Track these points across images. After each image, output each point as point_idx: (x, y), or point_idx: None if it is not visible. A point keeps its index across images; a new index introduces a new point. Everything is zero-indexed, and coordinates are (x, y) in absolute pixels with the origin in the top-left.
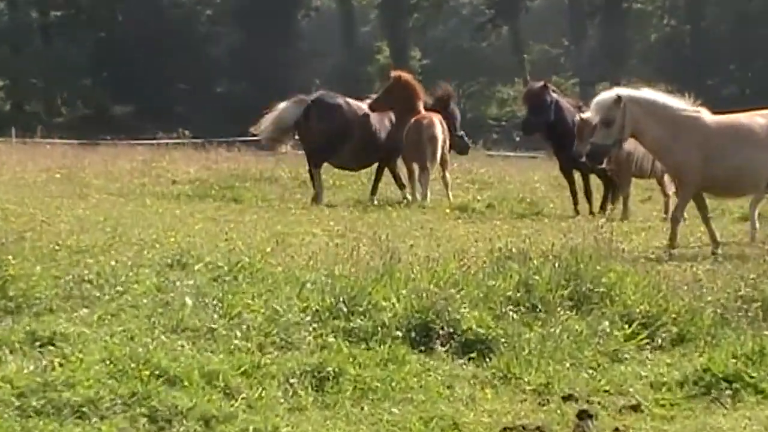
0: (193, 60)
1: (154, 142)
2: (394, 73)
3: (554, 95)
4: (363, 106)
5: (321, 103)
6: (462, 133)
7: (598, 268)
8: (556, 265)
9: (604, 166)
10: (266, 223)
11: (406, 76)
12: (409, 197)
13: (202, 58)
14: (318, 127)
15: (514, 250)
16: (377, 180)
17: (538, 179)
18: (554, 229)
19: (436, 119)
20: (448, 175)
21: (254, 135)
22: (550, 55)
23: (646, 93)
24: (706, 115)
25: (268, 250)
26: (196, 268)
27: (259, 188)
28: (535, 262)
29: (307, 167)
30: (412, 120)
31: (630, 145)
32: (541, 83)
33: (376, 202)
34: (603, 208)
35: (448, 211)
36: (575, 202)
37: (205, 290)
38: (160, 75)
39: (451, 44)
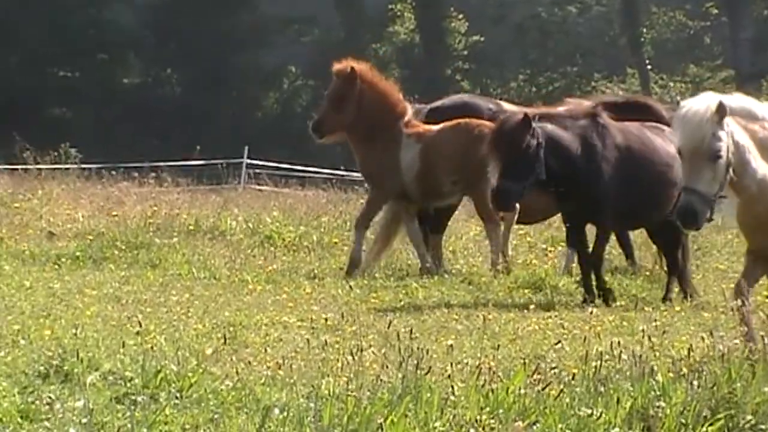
0: (80, 32)
1: (17, 167)
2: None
3: (545, 128)
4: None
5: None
6: None
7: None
8: (695, 383)
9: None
10: (206, 306)
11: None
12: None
13: (95, 28)
14: None
15: (624, 356)
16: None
17: None
18: (692, 323)
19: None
20: (502, 227)
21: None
22: (684, 32)
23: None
24: None
25: (209, 351)
26: (88, 380)
27: (195, 247)
28: (660, 377)
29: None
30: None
31: None
32: (520, 116)
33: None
34: (668, 291)
35: (510, 287)
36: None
37: (103, 419)
38: (28, 57)
39: (517, 11)
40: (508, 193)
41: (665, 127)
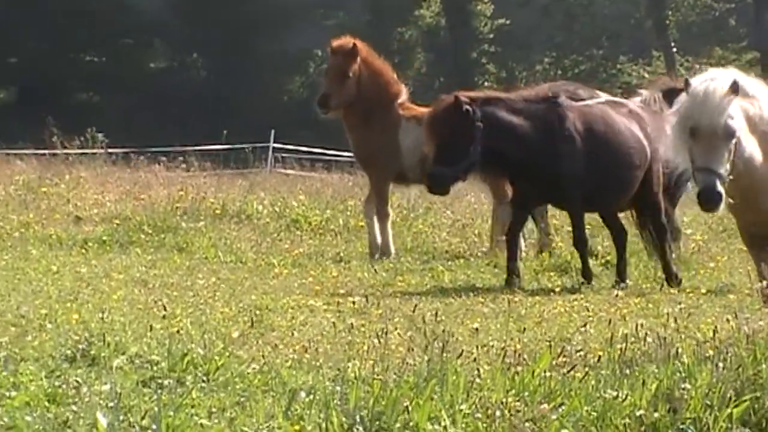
0: (107, 17)
1: (44, 152)
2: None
3: (487, 112)
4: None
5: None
6: None
7: None
8: (720, 365)
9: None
10: (232, 289)
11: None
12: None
13: (122, 13)
14: None
15: (649, 339)
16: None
17: (689, 221)
18: (718, 305)
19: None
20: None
21: (211, 143)
22: (710, 14)
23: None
24: None
25: (236, 335)
26: (115, 364)
27: (221, 231)
28: (685, 359)
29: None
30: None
31: None
32: (452, 97)
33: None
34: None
35: (536, 271)
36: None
37: (130, 402)
38: (54, 42)
39: None
40: (439, 177)
41: (628, 103)
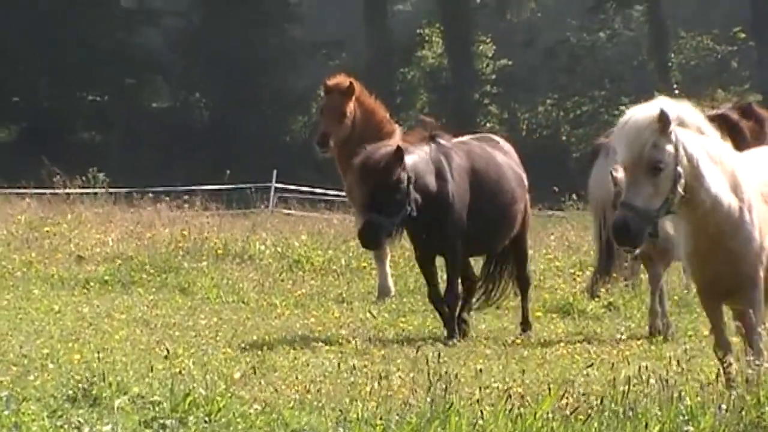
0: (109, 56)
1: (46, 191)
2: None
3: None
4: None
5: None
6: None
7: None
8: (723, 407)
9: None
10: (235, 330)
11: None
12: None
13: (124, 52)
14: None
15: (652, 381)
16: None
17: None
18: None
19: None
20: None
21: (214, 182)
22: (712, 56)
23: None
24: None
25: (238, 375)
26: (117, 404)
27: (223, 271)
28: (688, 402)
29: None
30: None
31: None
32: (392, 148)
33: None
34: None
35: (538, 311)
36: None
37: None
38: (57, 81)
39: (545, 35)
40: (378, 227)
41: (499, 140)
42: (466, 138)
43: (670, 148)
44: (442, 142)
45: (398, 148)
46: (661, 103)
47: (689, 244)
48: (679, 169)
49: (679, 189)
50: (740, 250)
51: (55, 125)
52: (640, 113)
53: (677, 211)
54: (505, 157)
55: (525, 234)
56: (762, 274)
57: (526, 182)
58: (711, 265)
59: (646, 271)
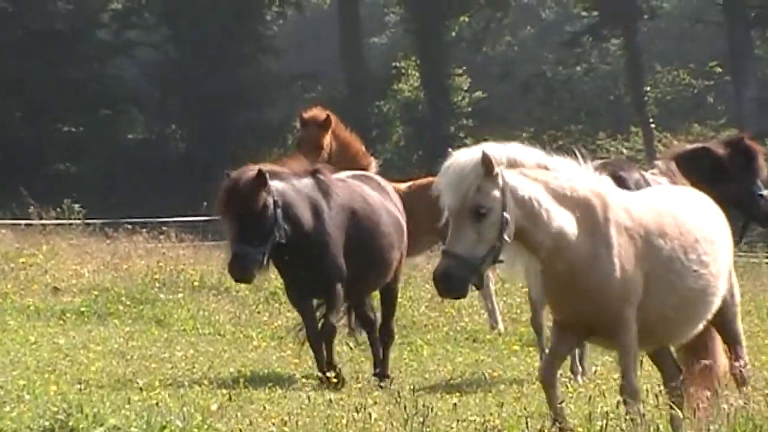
0: (84, 87)
1: (21, 222)
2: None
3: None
4: None
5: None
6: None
7: None
8: None
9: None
10: (211, 362)
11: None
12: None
13: (100, 83)
14: None
15: (627, 417)
16: None
17: None
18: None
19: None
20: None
21: (190, 214)
22: (688, 91)
23: (525, 151)
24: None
25: (215, 407)
26: None
27: (199, 303)
28: None
29: None
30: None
31: None
32: (253, 171)
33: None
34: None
35: (517, 347)
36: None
37: None
38: (31, 111)
39: (521, 69)
40: (246, 258)
41: (378, 177)
42: (343, 175)
43: (495, 192)
44: (323, 178)
45: (260, 171)
46: (485, 146)
47: (541, 284)
48: (506, 214)
49: (506, 236)
50: (596, 287)
51: (30, 156)
52: (463, 156)
53: (517, 256)
54: (384, 201)
55: (397, 284)
56: (632, 314)
57: (404, 228)
58: (567, 303)
59: None
